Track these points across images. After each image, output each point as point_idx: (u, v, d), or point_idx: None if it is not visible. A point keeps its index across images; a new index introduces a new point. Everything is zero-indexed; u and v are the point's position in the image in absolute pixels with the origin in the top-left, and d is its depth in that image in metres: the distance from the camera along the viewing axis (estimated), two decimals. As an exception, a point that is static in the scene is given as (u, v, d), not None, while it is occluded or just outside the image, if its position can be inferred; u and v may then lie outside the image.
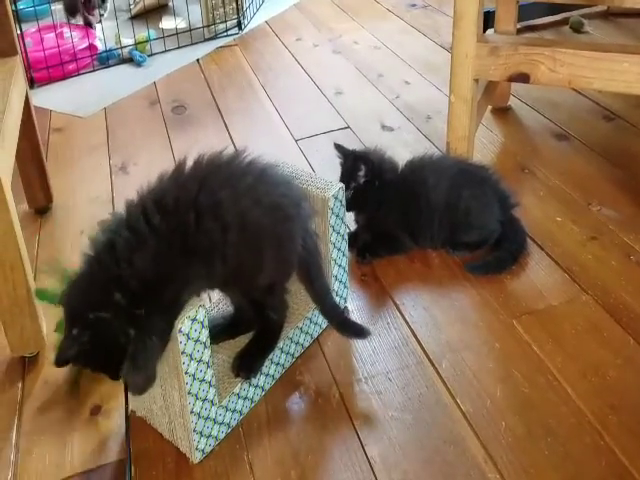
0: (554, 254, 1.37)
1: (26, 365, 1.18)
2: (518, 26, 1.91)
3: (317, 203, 1.15)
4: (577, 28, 2.32)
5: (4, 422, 1.09)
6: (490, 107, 1.87)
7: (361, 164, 1.36)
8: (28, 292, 1.15)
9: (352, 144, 1.78)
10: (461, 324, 1.23)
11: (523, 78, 1.39)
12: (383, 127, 1.88)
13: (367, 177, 1.36)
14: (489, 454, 1.00)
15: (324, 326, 1.22)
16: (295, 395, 1.10)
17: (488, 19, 1.89)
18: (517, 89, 1.93)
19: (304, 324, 1.17)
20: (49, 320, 1.25)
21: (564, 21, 2.38)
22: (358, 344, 1.19)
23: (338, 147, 1.42)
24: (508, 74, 1.41)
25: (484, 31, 1.63)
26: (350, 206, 1.27)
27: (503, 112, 1.89)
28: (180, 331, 0.91)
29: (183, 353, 0.93)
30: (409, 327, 1.23)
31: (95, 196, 1.64)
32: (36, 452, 1.04)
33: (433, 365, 1.15)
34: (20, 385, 1.15)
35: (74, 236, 1.51)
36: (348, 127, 1.89)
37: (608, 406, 1.05)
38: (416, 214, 1.37)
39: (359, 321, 1.24)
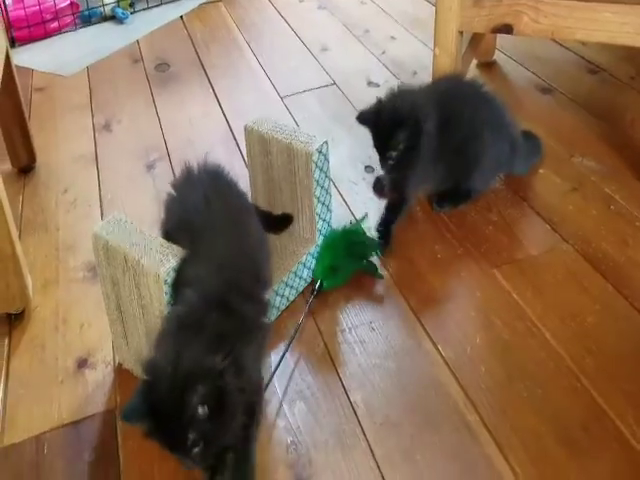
0: (535, 205, 1.38)
1: (11, 322, 1.19)
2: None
3: (301, 157, 1.15)
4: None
5: (-8, 376, 1.11)
6: (476, 61, 1.86)
7: (398, 132, 1.21)
8: (13, 249, 1.15)
9: (338, 101, 1.79)
10: (443, 275, 1.24)
11: (507, 29, 1.38)
12: (369, 83, 1.87)
13: (408, 142, 1.22)
14: (469, 397, 1.02)
15: (309, 280, 1.23)
16: (279, 346, 1.11)
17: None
18: (503, 44, 1.91)
19: (289, 278, 1.18)
20: (34, 277, 1.26)
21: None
22: (341, 296, 1.21)
23: (361, 118, 1.26)
24: (492, 25, 1.40)
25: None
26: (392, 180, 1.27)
27: (488, 66, 1.88)
28: (165, 282, 0.92)
29: (169, 303, 0.94)
30: (392, 279, 1.24)
31: (79, 155, 1.64)
32: (24, 405, 1.06)
33: (415, 315, 1.17)
34: (6, 341, 1.16)
35: (58, 195, 1.51)
36: (334, 84, 1.88)
37: (586, 350, 1.08)
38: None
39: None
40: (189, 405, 0.76)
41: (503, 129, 1.37)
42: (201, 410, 0.77)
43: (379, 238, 1.30)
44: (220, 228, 0.99)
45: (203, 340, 0.83)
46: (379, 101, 1.27)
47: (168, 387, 0.77)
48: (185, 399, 0.76)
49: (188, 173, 1.09)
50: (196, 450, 0.79)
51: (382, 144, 1.25)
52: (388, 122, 1.23)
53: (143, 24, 2.29)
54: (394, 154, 1.24)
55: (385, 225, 1.32)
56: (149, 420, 0.78)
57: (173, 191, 1.08)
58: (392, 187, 1.34)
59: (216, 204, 1.01)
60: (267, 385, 1.04)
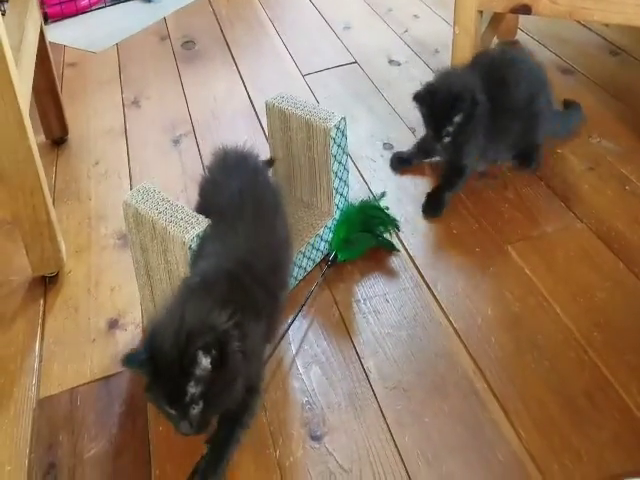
0: (552, 184, 1.40)
1: (46, 284, 1.26)
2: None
3: (319, 133, 1.19)
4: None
5: (28, 334, 1.17)
6: (497, 41, 1.88)
7: (457, 106, 1.28)
8: (48, 215, 1.21)
9: (359, 79, 1.82)
10: (458, 249, 1.28)
11: (525, 10, 1.40)
12: (390, 62, 1.89)
13: (465, 116, 1.29)
14: (478, 366, 1.06)
15: (325, 252, 1.28)
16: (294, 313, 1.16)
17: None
18: (525, 24, 1.92)
19: (306, 249, 1.22)
20: (68, 243, 1.32)
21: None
22: (357, 269, 1.25)
23: (418, 97, 1.32)
24: (511, 5, 1.42)
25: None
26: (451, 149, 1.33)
27: (510, 46, 1.89)
28: (190, 248, 0.98)
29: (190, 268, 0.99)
30: (408, 253, 1.28)
31: (109, 128, 1.70)
32: (58, 361, 1.12)
33: (429, 287, 1.21)
34: (42, 302, 1.23)
35: (90, 166, 1.57)
36: (355, 62, 1.90)
37: (594, 324, 1.11)
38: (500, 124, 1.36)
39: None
40: (191, 351, 0.76)
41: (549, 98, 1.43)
42: (203, 359, 0.77)
43: (426, 207, 1.37)
44: (248, 224, 1.00)
45: (210, 302, 0.83)
46: (430, 84, 1.33)
47: (171, 336, 0.78)
48: (187, 347, 0.76)
49: (226, 159, 1.10)
50: (195, 410, 0.79)
51: (438, 122, 1.31)
52: (444, 100, 1.29)
53: (170, 2, 2.33)
54: (451, 130, 1.30)
55: (437, 193, 1.38)
56: (149, 367, 0.78)
57: (209, 175, 1.10)
58: (451, 158, 1.39)
59: (249, 201, 1.02)
60: (278, 343, 1.09)
